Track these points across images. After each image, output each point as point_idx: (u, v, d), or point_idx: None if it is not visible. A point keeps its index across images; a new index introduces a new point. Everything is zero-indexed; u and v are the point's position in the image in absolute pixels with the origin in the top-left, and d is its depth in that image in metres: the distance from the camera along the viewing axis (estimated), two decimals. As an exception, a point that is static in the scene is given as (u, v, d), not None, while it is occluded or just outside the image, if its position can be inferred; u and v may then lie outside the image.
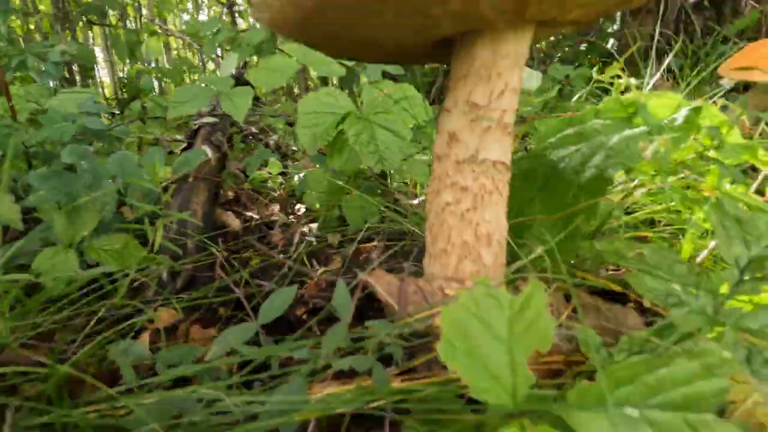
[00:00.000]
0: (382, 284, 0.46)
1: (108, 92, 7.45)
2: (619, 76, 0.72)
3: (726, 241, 0.46)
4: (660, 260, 0.44)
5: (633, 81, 0.68)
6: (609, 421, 0.27)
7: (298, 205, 1.63)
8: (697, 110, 0.62)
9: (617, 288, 0.45)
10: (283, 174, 1.84)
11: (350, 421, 0.37)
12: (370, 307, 0.53)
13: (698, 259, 0.65)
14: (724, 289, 0.43)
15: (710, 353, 0.28)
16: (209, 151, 1.47)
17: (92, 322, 0.71)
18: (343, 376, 0.40)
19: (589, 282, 0.49)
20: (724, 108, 1.09)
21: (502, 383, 0.29)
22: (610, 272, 0.56)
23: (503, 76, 0.44)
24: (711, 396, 0.27)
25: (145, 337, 0.64)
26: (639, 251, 0.47)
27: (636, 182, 0.62)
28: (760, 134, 1.14)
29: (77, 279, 0.71)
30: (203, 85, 1.16)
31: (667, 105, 0.67)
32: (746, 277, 0.43)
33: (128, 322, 0.71)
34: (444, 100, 0.49)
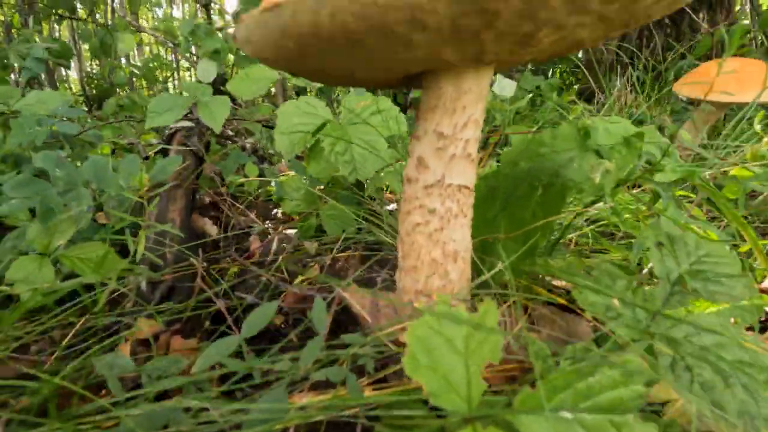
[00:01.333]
0: (356, 299, 0.50)
1: (75, 87, 7.18)
2: (575, 101, 0.78)
3: (659, 257, 0.53)
4: (603, 276, 0.50)
5: (587, 107, 0.74)
6: (548, 423, 0.32)
7: (275, 210, 1.64)
8: (639, 135, 0.68)
9: (565, 302, 0.51)
10: (260, 177, 1.85)
11: (326, 427, 0.41)
12: (346, 317, 0.57)
13: (644, 271, 0.72)
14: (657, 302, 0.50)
15: (630, 362, 0.33)
16: (185, 157, 1.48)
17: (70, 335, 0.72)
18: (320, 386, 0.44)
19: (541, 296, 0.54)
20: (671, 136, 1.19)
21: (459, 392, 0.33)
22: (563, 285, 0.62)
23: (467, 110, 0.49)
24: (630, 399, 0.32)
25: (125, 348, 0.66)
26: (587, 266, 0.53)
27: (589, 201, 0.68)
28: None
29: (55, 291, 0.71)
30: (179, 93, 1.17)
31: (616, 129, 0.73)
32: (676, 291, 0.50)
33: (108, 333, 0.72)
34: (415, 128, 0.53)
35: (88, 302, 0.76)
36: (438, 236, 0.52)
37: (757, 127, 0.89)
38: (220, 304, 0.59)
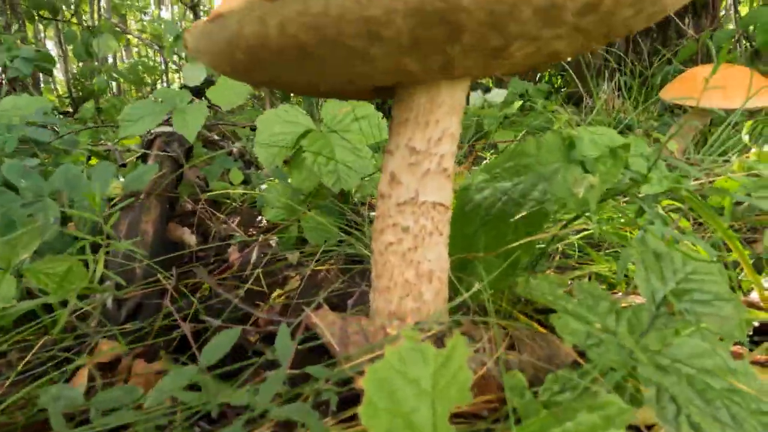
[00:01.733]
0: (325, 324, 0.47)
1: (61, 89, 7.05)
2: (558, 111, 0.76)
3: (644, 277, 0.50)
4: (585, 298, 0.47)
5: (574, 116, 0.72)
6: (521, 470, 0.29)
7: (260, 217, 1.60)
8: (625, 146, 0.66)
9: (544, 331, 0.48)
10: (245, 182, 1.80)
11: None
12: (316, 343, 0.54)
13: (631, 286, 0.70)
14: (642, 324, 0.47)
15: (610, 404, 0.30)
16: (164, 163, 1.43)
17: (27, 357, 0.67)
18: (282, 423, 0.41)
19: (521, 321, 0.52)
20: (656, 140, 1.17)
21: (424, 437, 0.30)
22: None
23: (441, 123, 0.46)
24: (610, 445, 0.30)
25: (84, 372, 0.62)
26: (569, 287, 0.50)
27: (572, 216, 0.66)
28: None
29: (12, 312, 0.67)
30: (156, 99, 1.13)
31: (601, 139, 0.71)
32: (661, 313, 0.47)
33: (69, 355, 0.68)
34: (387, 142, 0.50)
35: (48, 322, 0.72)
36: (412, 256, 0.49)
37: (745, 137, 0.88)
38: (185, 328, 0.55)
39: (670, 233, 0.62)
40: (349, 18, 0.26)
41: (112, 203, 1.10)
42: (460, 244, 0.63)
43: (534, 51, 0.36)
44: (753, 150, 0.74)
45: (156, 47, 3.44)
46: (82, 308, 0.74)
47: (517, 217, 0.62)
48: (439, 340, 0.45)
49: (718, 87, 1.47)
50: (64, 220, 1.04)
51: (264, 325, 0.67)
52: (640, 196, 0.61)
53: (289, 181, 1.11)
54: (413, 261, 0.49)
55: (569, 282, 0.64)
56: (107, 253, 0.83)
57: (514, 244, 0.55)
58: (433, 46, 0.30)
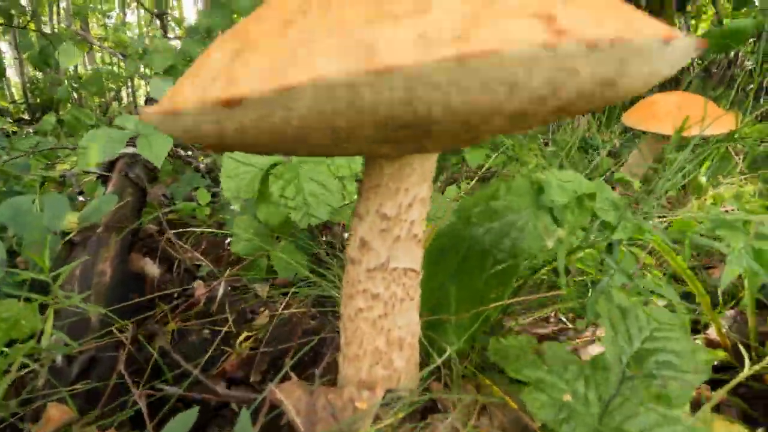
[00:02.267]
0: (291, 401, 0.45)
1: (17, 94, 6.64)
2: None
3: (612, 339, 0.51)
4: (554, 363, 0.47)
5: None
6: None
7: (228, 239, 1.54)
8: (591, 196, 0.68)
9: (515, 406, 0.48)
10: (214, 201, 1.73)
11: None
12: (282, 419, 0.51)
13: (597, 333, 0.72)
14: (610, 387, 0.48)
15: None
16: (125, 190, 1.36)
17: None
18: None
19: (492, 392, 0.51)
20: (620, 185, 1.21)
21: None
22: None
23: (411, 190, 0.46)
24: None
25: (30, 443, 0.57)
26: (538, 350, 0.50)
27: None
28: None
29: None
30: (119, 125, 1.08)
31: (569, 185, 0.73)
32: (627, 377, 0.48)
33: (12, 421, 0.62)
34: (357, 205, 0.49)
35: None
36: (382, 323, 0.48)
37: (703, 179, 0.92)
38: (141, 403, 0.51)
39: (634, 283, 0.63)
40: (313, 126, 0.25)
41: (66, 238, 1.03)
42: (429, 299, 0.62)
43: (503, 132, 0.36)
44: (710, 192, 0.78)
45: (120, 56, 3.31)
46: (26, 365, 0.69)
47: (488, 268, 0.62)
48: (410, 416, 0.44)
49: (674, 114, 1.55)
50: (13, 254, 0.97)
51: (237, 365, 0.64)
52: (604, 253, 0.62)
53: (257, 214, 1.07)
54: (384, 328, 0.48)
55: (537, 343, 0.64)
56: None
57: (486, 307, 0.54)
58: (405, 141, 0.30)
